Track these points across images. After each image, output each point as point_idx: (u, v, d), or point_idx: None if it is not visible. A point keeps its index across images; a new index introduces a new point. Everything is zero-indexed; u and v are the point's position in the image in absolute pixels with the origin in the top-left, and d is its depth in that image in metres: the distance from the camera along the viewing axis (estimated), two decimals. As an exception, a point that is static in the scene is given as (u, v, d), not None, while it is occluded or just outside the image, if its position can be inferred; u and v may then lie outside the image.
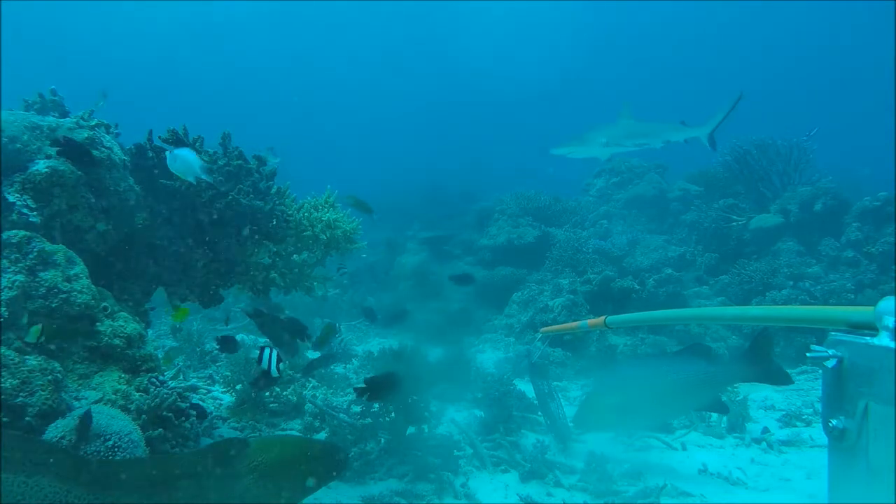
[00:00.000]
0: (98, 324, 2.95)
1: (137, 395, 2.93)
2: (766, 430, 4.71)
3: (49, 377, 2.55)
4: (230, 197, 3.79)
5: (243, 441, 2.27)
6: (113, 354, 2.97)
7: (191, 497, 2.08)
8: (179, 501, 2.05)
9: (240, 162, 3.94)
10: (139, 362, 3.04)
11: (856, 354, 1.40)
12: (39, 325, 2.68)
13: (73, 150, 3.14)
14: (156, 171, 3.72)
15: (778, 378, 3.52)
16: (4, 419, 2.37)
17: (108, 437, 2.38)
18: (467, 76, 38.91)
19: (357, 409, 4.31)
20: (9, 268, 2.71)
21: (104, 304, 3.04)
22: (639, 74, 40.53)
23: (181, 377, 5.08)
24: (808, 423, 4.91)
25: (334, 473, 2.55)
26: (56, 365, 2.64)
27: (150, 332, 3.61)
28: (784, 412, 5.10)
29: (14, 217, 2.97)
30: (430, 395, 4.16)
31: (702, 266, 8.83)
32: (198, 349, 5.96)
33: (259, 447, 2.30)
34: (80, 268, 2.96)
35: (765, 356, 3.49)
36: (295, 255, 4.32)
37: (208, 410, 4.51)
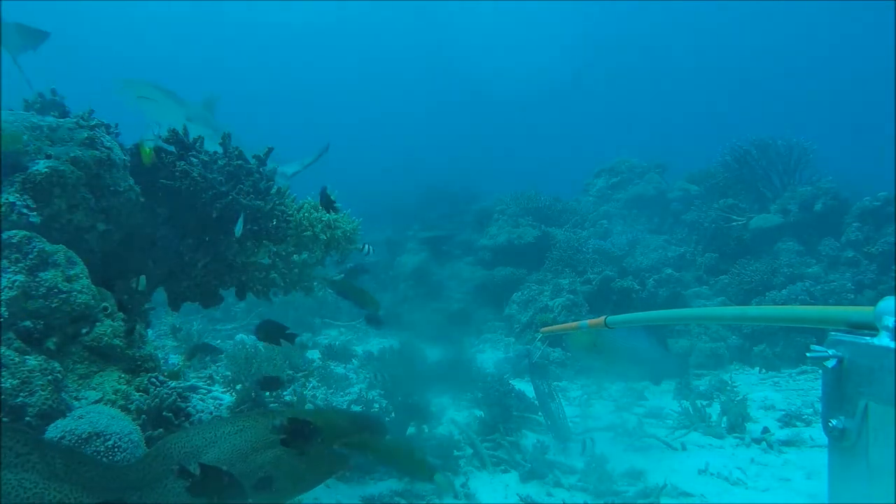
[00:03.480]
0: (98, 324, 2.94)
1: (137, 395, 2.93)
2: (766, 430, 4.70)
3: (49, 377, 2.55)
4: (230, 197, 3.79)
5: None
6: (113, 354, 2.97)
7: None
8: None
9: (240, 162, 3.93)
10: (139, 362, 3.04)
11: (856, 354, 1.40)
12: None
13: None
14: (156, 171, 3.71)
15: None
16: (4, 419, 2.36)
17: (108, 437, 2.37)
18: (468, 76, 38.89)
19: (357, 408, 4.31)
20: (9, 268, 2.71)
21: (104, 304, 3.04)
22: (640, 75, 40.55)
23: (181, 377, 5.07)
24: (808, 423, 4.91)
25: (368, 435, 2.84)
26: (56, 365, 2.64)
27: (150, 332, 3.60)
28: (784, 412, 5.09)
29: (14, 217, 2.96)
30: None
31: (702, 266, 8.82)
32: (198, 349, 5.95)
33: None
34: (80, 268, 2.95)
35: None
36: (295, 255, 4.31)
37: (208, 410, 4.51)
